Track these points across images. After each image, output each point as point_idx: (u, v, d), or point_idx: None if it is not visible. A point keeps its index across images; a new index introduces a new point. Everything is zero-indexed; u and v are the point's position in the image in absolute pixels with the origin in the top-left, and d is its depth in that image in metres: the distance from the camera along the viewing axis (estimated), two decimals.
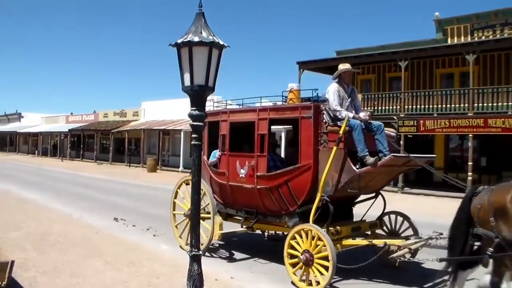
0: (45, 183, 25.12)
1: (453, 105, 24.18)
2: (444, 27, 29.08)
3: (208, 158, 9.98)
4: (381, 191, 9.03)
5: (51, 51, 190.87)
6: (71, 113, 63.99)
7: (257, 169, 8.72)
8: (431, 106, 24.84)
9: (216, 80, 4.75)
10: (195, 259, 4.83)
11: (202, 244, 9.09)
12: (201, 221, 9.38)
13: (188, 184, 9.60)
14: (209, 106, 9.21)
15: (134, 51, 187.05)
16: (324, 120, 7.97)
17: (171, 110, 42.49)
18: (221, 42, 4.66)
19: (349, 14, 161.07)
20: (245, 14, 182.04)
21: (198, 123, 4.77)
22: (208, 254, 9.55)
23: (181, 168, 37.30)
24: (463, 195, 6.96)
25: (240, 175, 9.05)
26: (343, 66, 8.44)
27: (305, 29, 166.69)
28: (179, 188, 10.34)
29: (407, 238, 8.16)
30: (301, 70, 30.32)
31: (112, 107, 58.26)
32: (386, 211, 9.04)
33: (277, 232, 10.43)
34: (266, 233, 10.92)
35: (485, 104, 23.24)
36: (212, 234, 9.26)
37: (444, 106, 24.46)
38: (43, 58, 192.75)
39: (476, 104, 23.34)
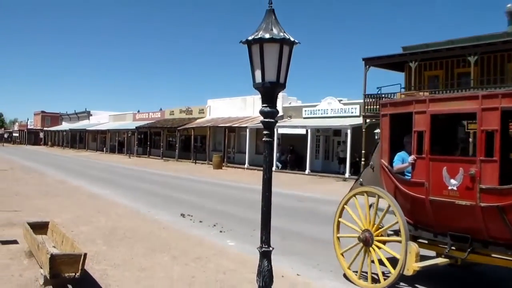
0: (114, 179, 25.89)
1: None
2: None
3: (390, 163, 7.68)
4: None
5: (119, 52, 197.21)
6: (138, 111, 65.51)
7: (480, 180, 6.33)
8: None
9: (287, 76, 4.73)
10: (266, 256, 4.82)
11: (385, 277, 7.29)
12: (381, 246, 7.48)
13: (359, 196, 7.97)
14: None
15: (200, 50, 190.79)
16: None
17: (236, 108, 43.09)
18: (292, 39, 4.62)
19: (417, 9, 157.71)
20: (306, 9, 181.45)
21: (270, 120, 4.75)
22: None
23: (246, 165, 37.69)
24: None
25: (450, 187, 6.69)
26: None
27: (371, 24, 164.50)
28: (346, 203, 8.11)
29: None
30: (367, 66, 29.84)
31: (178, 105, 59.25)
32: None
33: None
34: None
35: None
36: (404, 266, 6.90)
37: None
38: (112, 58, 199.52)
39: None
